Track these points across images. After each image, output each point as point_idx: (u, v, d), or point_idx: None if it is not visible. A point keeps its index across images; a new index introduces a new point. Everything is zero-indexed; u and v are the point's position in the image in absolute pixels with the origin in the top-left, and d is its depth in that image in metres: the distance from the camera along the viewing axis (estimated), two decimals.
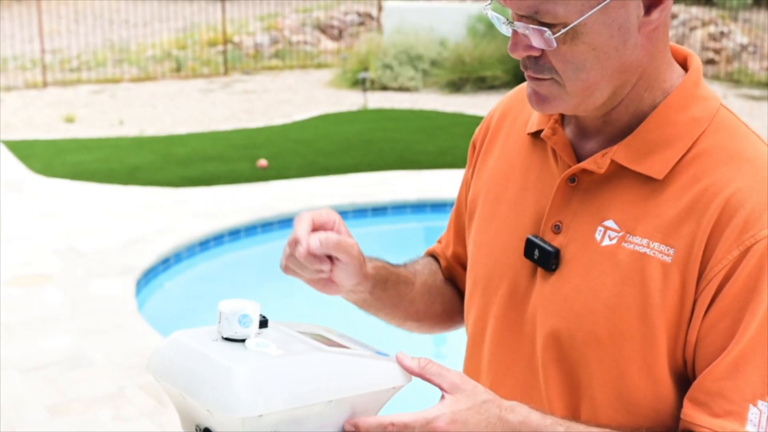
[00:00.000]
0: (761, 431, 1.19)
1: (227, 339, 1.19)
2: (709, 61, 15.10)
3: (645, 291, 1.25)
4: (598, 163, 1.29)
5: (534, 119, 1.42)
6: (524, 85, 1.51)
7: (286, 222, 7.52)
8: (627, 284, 1.25)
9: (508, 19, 1.26)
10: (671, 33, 15.88)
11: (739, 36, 15.34)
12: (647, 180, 1.27)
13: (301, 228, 1.32)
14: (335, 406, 1.17)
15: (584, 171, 1.31)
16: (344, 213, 7.71)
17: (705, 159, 1.25)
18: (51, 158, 9.43)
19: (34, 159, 9.34)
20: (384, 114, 11.96)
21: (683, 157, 1.26)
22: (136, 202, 7.88)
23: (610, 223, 1.28)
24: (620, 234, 1.27)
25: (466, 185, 1.57)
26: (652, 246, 1.25)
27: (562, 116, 1.39)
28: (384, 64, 14.12)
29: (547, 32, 1.21)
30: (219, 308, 1.20)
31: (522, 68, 1.29)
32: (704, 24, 15.71)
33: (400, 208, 7.82)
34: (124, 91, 14.05)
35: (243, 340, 1.19)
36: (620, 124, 1.31)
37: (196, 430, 1.18)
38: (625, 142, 1.28)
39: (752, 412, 1.18)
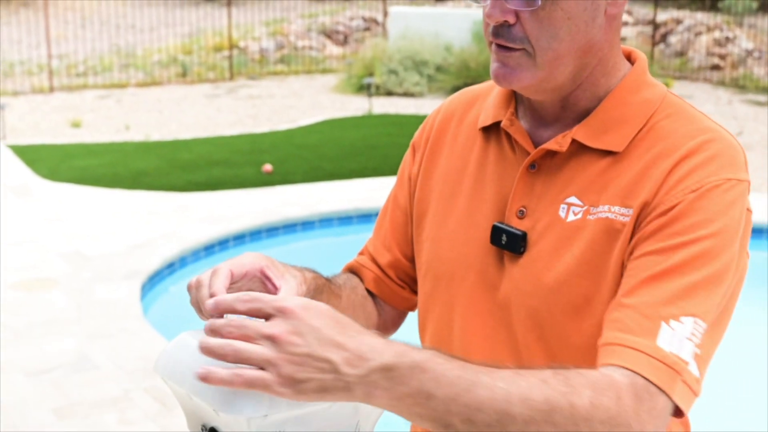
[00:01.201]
0: (672, 350, 1.19)
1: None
2: (715, 67, 15.10)
3: (609, 253, 1.30)
4: (559, 142, 1.35)
5: (486, 115, 1.47)
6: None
7: (291, 227, 7.54)
8: (594, 250, 1.31)
9: None
10: (676, 38, 15.88)
11: (744, 41, 15.34)
12: (607, 154, 1.34)
13: (218, 283, 1.27)
14: (340, 406, 1.19)
15: (544, 156, 1.37)
16: (349, 218, 7.74)
17: (658, 131, 1.33)
18: (57, 163, 9.46)
19: (40, 164, 9.38)
20: (389, 119, 11.98)
21: (639, 132, 1.34)
22: (142, 206, 7.91)
23: (572, 199, 1.34)
24: (584, 208, 1.33)
25: (407, 187, 1.57)
26: (613, 210, 1.31)
27: (516, 110, 1.44)
28: (389, 69, 14.15)
29: None
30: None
31: (492, 37, 1.33)
32: (709, 29, 15.72)
33: None
34: (130, 96, 14.10)
35: None
36: (578, 109, 1.38)
37: (203, 429, 1.20)
38: (584, 123, 1.36)
39: (664, 329, 1.20)
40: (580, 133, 1.36)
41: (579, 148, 1.36)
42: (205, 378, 1.10)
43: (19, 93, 14.16)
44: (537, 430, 1.11)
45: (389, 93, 14.00)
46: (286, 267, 1.40)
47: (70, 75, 15.55)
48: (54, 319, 5.58)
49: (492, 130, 1.46)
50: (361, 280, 1.64)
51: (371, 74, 14.07)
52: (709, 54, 15.28)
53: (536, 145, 1.39)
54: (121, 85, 14.97)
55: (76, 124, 11.82)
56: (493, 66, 1.35)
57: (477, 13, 15.24)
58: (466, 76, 13.76)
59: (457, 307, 1.45)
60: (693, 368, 1.20)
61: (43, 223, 7.45)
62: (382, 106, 12.98)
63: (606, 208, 1.31)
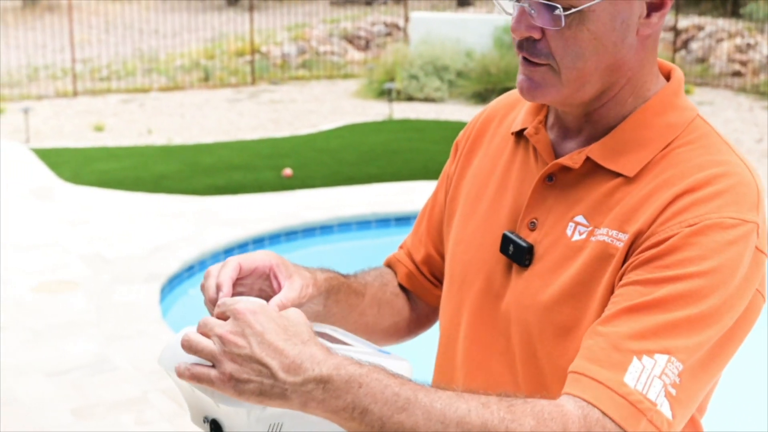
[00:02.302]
0: (638, 387, 1.14)
1: None
2: (736, 74, 15.05)
3: (600, 277, 1.27)
4: (573, 159, 1.33)
5: (519, 119, 1.45)
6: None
7: (310, 231, 7.59)
8: (588, 272, 1.28)
9: None
10: (698, 45, 15.84)
11: (765, 48, 15.27)
12: (618, 177, 1.30)
13: (225, 274, 1.33)
14: None
15: (561, 169, 1.35)
16: (367, 222, 7.77)
17: (672, 158, 1.29)
18: (80, 166, 9.55)
19: (63, 167, 9.47)
20: (409, 124, 12.02)
21: (654, 156, 1.30)
22: (163, 210, 7.98)
23: (580, 218, 1.32)
24: (589, 229, 1.30)
25: (444, 185, 1.58)
26: (610, 234, 1.28)
27: (546, 118, 1.42)
28: (410, 74, 14.18)
29: (559, 9, 1.24)
30: None
31: (517, 50, 1.31)
32: (731, 36, 15.67)
33: None
34: (152, 101, 14.20)
35: None
36: (600, 126, 1.35)
37: (204, 421, 1.23)
38: (602, 141, 1.33)
39: (634, 364, 1.15)
40: (595, 151, 1.33)
41: (594, 167, 1.33)
42: (177, 372, 1.19)
43: (43, 97, 14.30)
44: None
45: (410, 98, 14.03)
46: (298, 268, 1.42)
47: (93, 79, 15.68)
48: (74, 321, 5.64)
49: (522, 136, 1.45)
50: (396, 275, 1.65)
51: (392, 79, 14.11)
52: (731, 60, 15.23)
53: (558, 156, 1.37)
54: (144, 90, 15.08)
55: (99, 128, 11.93)
56: (519, 78, 1.33)
57: (498, 18, 15.26)
58: (487, 81, 13.77)
59: (465, 311, 1.45)
60: (664, 409, 1.14)
61: (64, 226, 7.53)
62: (403, 111, 13.01)
63: (605, 231, 1.28)
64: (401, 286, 1.65)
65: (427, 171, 9.34)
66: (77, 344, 5.31)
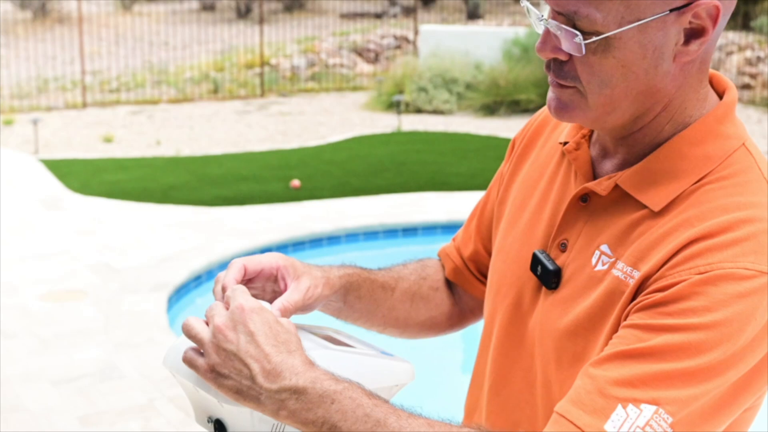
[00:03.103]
0: None
1: None
2: (746, 86, 15.04)
3: (609, 314, 1.23)
4: (603, 186, 1.27)
5: (567, 129, 1.39)
6: None
7: (317, 241, 7.59)
8: (601, 308, 1.24)
9: (543, 16, 1.23)
10: None
11: None
12: (644, 209, 1.24)
13: (230, 275, 1.32)
14: None
15: (594, 192, 1.29)
16: (375, 233, 7.78)
17: (700, 195, 1.21)
18: (88, 177, 9.58)
19: (72, 177, 9.50)
20: (417, 136, 12.03)
21: (683, 191, 1.22)
22: (171, 220, 7.99)
23: (605, 248, 1.26)
24: (612, 260, 1.25)
25: (497, 184, 1.54)
26: (625, 270, 1.22)
27: (591, 132, 1.35)
28: (419, 87, 14.21)
29: (578, 37, 1.18)
30: None
31: (545, 70, 1.26)
32: (741, 49, 15.67)
33: (431, 229, 7.86)
34: (161, 112, 14.24)
35: None
36: (635, 150, 1.28)
37: (208, 421, 1.24)
38: (633, 169, 1.26)
39: (618, 413, 1.10)
40: (625, 179, 1.26)
41: (623, 194, 1.26)
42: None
43: (52, 108, 14.35)
44: None
45: (419, 110, 14.05)
46: (309, 268, 1.40)
47: (103, 91, 15.74)
48: (81, 329, 5.65)
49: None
50: (444, 269, 1.63)
51: (401, 92, 14.14)
52: (740, 73, 15.22)
53: (597, 176, 1.31)
54: (153, 102, 15.13)
55: (108, 140, 11.96)
56: (549, 96, 1.28)
57: (507, 31, 15.29)
58: (496, 94, 13.79)
59: (497, 320, 1.42)
60: None
61: (73, 236, 7.55)
62: (411, 123, 13.03)
63: (622, 266, 1.23)
64: (448, 280, 1.62)
65: (435, 182, 9.35)
66: (85, 352, 5.32)
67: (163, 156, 10.87)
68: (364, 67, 17.82)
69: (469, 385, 1.53)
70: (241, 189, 9.09)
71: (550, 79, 1.25)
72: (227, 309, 1.20)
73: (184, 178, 9.54)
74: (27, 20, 21.52)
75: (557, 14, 1.20)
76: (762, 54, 15.45)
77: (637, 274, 1.20)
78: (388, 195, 8.84)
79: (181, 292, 6.45)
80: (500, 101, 13.79)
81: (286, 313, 1.33)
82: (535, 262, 1.33)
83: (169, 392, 4.80)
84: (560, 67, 1.23)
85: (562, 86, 1.24)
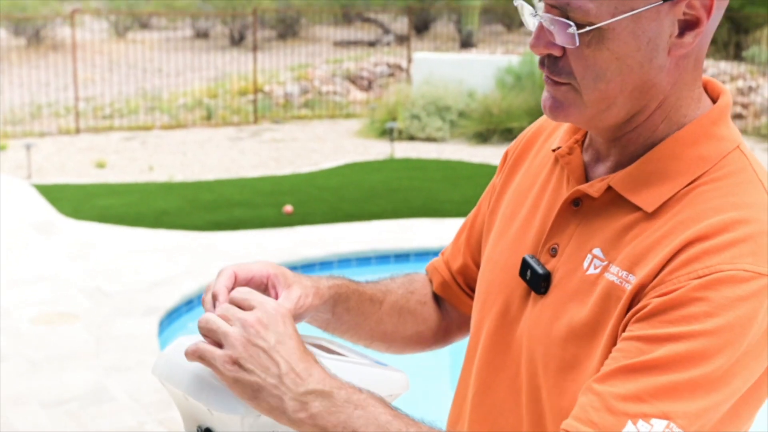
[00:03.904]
0: None
1: None
2: (737, 116, 15.11)
3: (607, 320, 1.20)
4: (595, 187, 1.26)
5: (559, 135, 1.39)
6: None
7: (309, 267, 7.58)
8: (596, 315, 1.21)
9: (537, 12, 1.22)
10: None
11: (767, 91, 15.34)
12: (638, 211, 1.22)
13: (220, 282, 1.30)
14: None
15: (586, 195, 1.28)
16: (367, 259, 7.77)
17: (694, 197, 1.19)
18: (80, 202, 9.57)
19: (63, 202, 9.48)
20: (410, 163, 12.05)
21: (677, 193, 1.20)
22: (163, 245, 7.97)
23: (597, 251, 1.24)
24: (604, 263, 1.23)
25: (489, 195, 1.53)
26: (620, 275, 1.20)
27: (584, 137, 1.35)
28: (412, 114, 14.24)
29: (572, 27, 1.17)
30: None
31: (539, 67, 1.25)
32: (733, 78, 15.75)
33: (423, 255, 7.85)
34: (154, 138, 14.25)
35: None
36: (628, 152, 1.26)
37: (198, 430, 1.22)
38: (627, 170, 1.24)
39: (628, 429, 1.07)
40: (617, 181, 1.24)
41: (616, 196, 1.24)
42: (186, 353, 1.20)
43: (46, 134, 14.35)
44: None
45: (412, 138, 14.08)
46: (299, 277, 1.39)
47: (96, 117, 15.75)
48: (72, 353, 5.62)
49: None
50: (431, 283, 1.61)
51: (394, 119, 14.17)
52: (733, 103, 15.30)
53: (589, 178, 1.30)
54: (147, 128, 15.14)
55: (100, 165, 11.96)
56: (543, 95, 1.26)
57: (500, 59, 15.36)
58: (489, 122, 13.84)
59: (483, 330, 1.41)
60: None
61: (65, 260, 7.52)
62: (405, 150, 13.05)
63: (616, 270, 1.20)
64: (435, 295, 1.61)
65: (428, 209, 9.35)
66: (75, 375, 5.28)
67: (155, 181, 10.86)
68: (357, 94, 17.87)
69: (453, 397, 1.52)
70: (233, 214, 9.08)
71: (544, 77, 1.25)
72: (230, 316, 1.20)
73: (177, 204, 9.53)
74: (21, 47, 21.57)
75: (551, 7, 1.20)
76: (754, 84, 15.53)
77: (633, 279, 1.18)
78: (381, 221, 8.84)
79: (172, 316, 6.43)
80: (493, 129, 13.83)
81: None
82: (525, 266, 1.32)
83: (159, 416, 4.77)
84: (554, 63, 1.22)
85: (556, 84, 1.23)
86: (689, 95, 1.24)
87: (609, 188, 1.25)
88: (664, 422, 1.07)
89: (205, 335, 1.19)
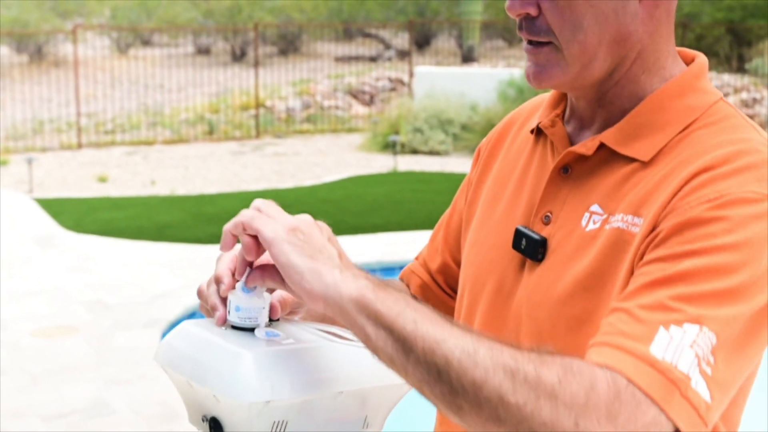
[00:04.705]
0: (666, 358, 1.01)
1: (236, 328, 1.17)
2: None
3: (617, 266, 1.18)
4: (587, 146, 1.26)
5: (536, 118, 1.41)
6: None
7: None
8: (603, 261, 1.20)
9: None
10: None
11: None
12: (633, 162, 1.23)
13: (223, 265, 1.24)
14: (346, 398, 1.14)
15: (576, 159, 1.28)
16: (372, 271, 7.65)
17: (691, 140, 1.21)
18: (82, 215, 9.51)
19: (65, 216, 9.42)
20: (414, 176, 11.99)
21: (671, 140, 1.22)
22: (166, 258, 7.90)
23: (595, 207, 1.24)
24: (603, 217, 1.23)
25: (465, 191, 1.52)
26: (625, 219, 1.19)
27: (563, 113, 1.36)
28: (414, 128, 14.20)
29: None
30: (228, 296, 1.18)
31: (518, 32, 1.27)
32: (736, 91, 15.71)
33: None
34: (156, 153, 14.21)
35: (252, 330, 1.17)
36: (615, 110, 1.28)
37: (203, 420, 1.15)
38: (617, 126, 1.26)
39: (661, 335, 1.03)
40: (609, 137, 1.26)
41: (609, 154, 1.26)
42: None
43: (47, 149, 14.31)
44: (495, 385, 1.00)
45: (414, 151, 14.03)
46: None
47: (98, 132, 15.71)
48: (73, 366, 5.54)
49: (541, 133, 1.39)
50: (409, 287, 1.58)
51: (397, 132, 14.13)
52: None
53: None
54: (148, 142, 15.10)
55: (102, 179, 11.91)
56: (526, 66, 1.29)
57: (502, 72, 15.33)
58: None
59: (476, 314, 1.38)
60: (700, 387, 1.02)
61: (66, 273, 7.45)
62: (407, 164, 13.00)
63: (620, 217, 1.20)
64: (414, 298, 1.57)
65: (432, 221, 9.26)
66: (76, 388, 5.20)
67: (157, 195, 10.80)
68: (359, 109, 17.84)
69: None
70: None
71: (524, 45, 1.27)
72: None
73: (179, 217, 9.47)
74: (23, 64, 21.57)
75: None
76: (758, 96, 15.50)
77: (641, 221, 1.17)
78: (385, 233, 8.77)
79: (174, 327, 6.35)
80: None
81: (285, 306, 1.25)
82: (518, 237, 1.30)
83: (160, 428, 4.69)
84: (532, 23, 1.25)
85: (537, 46, 1.25)
86: (666, 48, 1.27)
87: (601, 146, 1.26)
88: (696, 327, 1.04)
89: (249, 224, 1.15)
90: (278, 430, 1.11)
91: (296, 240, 1.11)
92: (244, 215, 1.16)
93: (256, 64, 16.71)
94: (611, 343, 1.05)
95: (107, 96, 18.32)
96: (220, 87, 19.31)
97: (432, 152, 14.02)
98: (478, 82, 15.03)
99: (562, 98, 1.38)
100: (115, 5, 26.87)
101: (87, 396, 5.10)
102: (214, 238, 8.55)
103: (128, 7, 26.20)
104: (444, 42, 25.33)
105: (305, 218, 1.16)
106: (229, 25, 23.56)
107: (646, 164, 1.22)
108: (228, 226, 1.19)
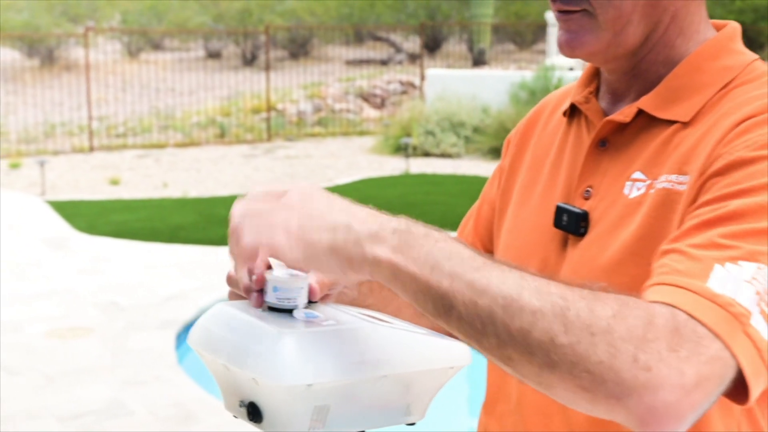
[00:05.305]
0: (725, 292, 0.96)
1: (273, 309, 1.13)
2: None
3: (667, 226, 1.13)
4: (625, 113, 1.24)
5: (567, 101, 1.38)
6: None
7: None
8: (651, 225, 1.16)
9: None
10: None
11: None
12: (673, 125, 1.20)
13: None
14: (389, 382, 1.10)
15: (614, 131, 1.25)
16: None
17: (732, 96, 1.18)
18: (95, 217, 9.49)
19: (78, 218, 9.41)
20: (426, 178, 11.95)
21: (710, 99, 1.20)
22: (179, 259, 7.88)
23: (637, 174, 1.21)
24: (647, 182, 1.19)
25: (497, 178, 1.49)
26: (670, 179, 1.16)
27: (597, 89, 1.34)
28: (426, 130, 14.16)
29: None
30: (266, 276, 1.14)
31: (551, 3, 1.24)
32: None
33: None
34: (168, 156, 14.20)
35: (290, 311, 1.13)
36: (650, 76, 1.25)
37: (240, 405, 1.11)
38: (654, 92, 1.23)
39: (717, 271, 0.98)
40: (647, 102, 1.23)
41: (648, 121, 1.23)
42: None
43: (59, 152, 14.32)
44: (544, 328, 0.93)
45: (426, 154, 13.99)
46: None
47: (110, 136, 15.72)
48: (88, 367, 5.51)
49: (574, 114, 1.36)
50: None
51: (408, 135, 14.09)
52: None
53: None
54: (160, 146, 15.09)
55: (114, 182, 11.89)
56: (558, 35, 1.25)
57: (514, 75, 15.28)
58: (504, 137, 13.65)
59: None
60: (760, 326, 0.96)
61: (79, 275, 7.43)
62: (419, 166, 12.96)
63: (664, 178, 1.17)
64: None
65: (445, 222, 9.21)
66: (91, 389, 5.17)
67: (170, 197, 10.79)
68: (370, 112, 17.81)
69: (488, 372, 1.42)
70: None
71: (556, 15, 1.24)
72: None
73: (192, 219, 9.45)
74: (35, 68, 21.59)
75: None
76: None
77: (687, 178, 1.14)
78: None
79: (189, 329, 6.31)
80: None
81: (324, 287, 1.21)
82: (559, 214, 1.27)
83: (176, 429, 4.65)
84: None
85: (569, 14, 1.22)
86: (699, 11, 1.25)
87: (638, 113, 1.23)
88: (753, 264, 0.99)
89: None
90: (319, 416, 1.07)
91: (296, 235, 1.02)
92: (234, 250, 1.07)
93: (268, 67, 16.70)
94: (666, 282, 1.00)
95: (118, 99, 18.33)
96: (231, 90, 19.30)
97: (444, 155, 13.98)
98: (490, 85, 14.98)
99: (593, 77, 1.36)
100: (126, 9, 26.90)
101: (102, 397, 5.07)
102: (226, 240, 8.44)
103: (139, 11, 26.24)
104: (454, 45, 25.28)
105: (304, 192, 1.05)
106: (240, 28, 23.56)
107: (686, 124, 1.19)
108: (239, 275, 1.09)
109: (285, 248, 1.02)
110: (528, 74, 15.07)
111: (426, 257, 0.98)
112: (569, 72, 14.47)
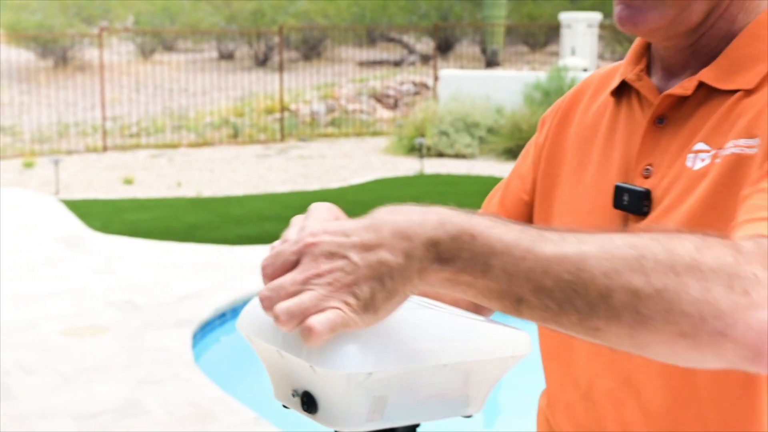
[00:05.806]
0: None
1: None
2: None
3: (738, 192, 1.08)
4: (684, 86, 1.19)
5: (618, 78, 1.32)
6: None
7: None
8: (720, 192, 1.11)
9: None
10: None
11: None
12: (735, 94, 1.16)
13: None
14: (450, 372, 1.04)
15: (672, 106, 1.21)
16: None
17: None
18: (109, 216, 9.46)
19: (92, 217, 9.38)
20: (440, 179, 11.89)
21: None
22: (194, 258, 7.83)
23: (700, 146, 1.16)
24: (712, 153, 1.14)
25: (532, 155, 1.41)
26: (738, 144, 1.11)
27: (648, 67, 1.28)
28: (440, 131, 14.10)
29: None
30: None
31: None
32: None
33: None
34: (182, 156, 14.17)
35: None
36: (709, 51, 1.21)
37: (293, 395, 1.04)
38: (715, 63, 1.19)
39: None
40: (708, 74, 1.18)
41: (709, 93, 1.18)
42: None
43: (73, 152, 14.30)
44: (624, 285, 0.83)
45: (440, 154, 13.93)
46: None
47: (123, 136, 15.70)
48: (103, 365, 5.46)
49: (623, 93, 1.30)
50: None
51: (422, 135, 14.03)
52: None
53: None
54: (174, 145, 15.06)
55: (128, 181, 11.86)
56: (616, 10, 1.19)
57: (527, 75, 15.21)
58: (518, 138, 13.67)
59: None
60: None
61: (94, 273, 7.39)
62: (433, 166, 12.90)
63: (732, 144, 1.12)
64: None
65: None
66: (107, 388, 5.12)
67: (184, 196, 10.76)
68: (383, 113, 17.76)
69: (545, 359, 1.36)
70: (264, 228, 8.94)
71: None
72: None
73: (206, 218, 9.41)
74: (48, 68, 21.60)
75: None
76: None
77: (756, 141, 1.09)
78: None
79: (205, 329, 6.26)
80: (523, 145, 13.61)
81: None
82: (619, 194, 1.21)
83: (192, 428, 4.60)
84: None
85: None
86: None
87: (699, 85, 1.18)
88: None
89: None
90: (378, 407, 1.01)
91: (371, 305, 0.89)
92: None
93: (281, 68, 16.66)
94: (754, 218, 0.95)
95: (132, 100, 18.31)
96: (245, 91, 19.27)
97: (458, 155, 13.92)
98: (504, 86, 14.92)
99: (642, 54, 1.31)
100: (139, 10, 26.90)
101: (118, 396, 5.02)
102: (241, 239, 8.48)
103: (152, 12, 26.23)
104: (467, 47, 25.21)
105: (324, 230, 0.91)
106: (253, 29, 23.53)
107: (750, 92, 1.15)
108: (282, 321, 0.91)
109: (351, 315, 0.90)
110: (542, 75, 15.00)
111: (472, 263, 0.87)
112: (583, 73, 14.39)
